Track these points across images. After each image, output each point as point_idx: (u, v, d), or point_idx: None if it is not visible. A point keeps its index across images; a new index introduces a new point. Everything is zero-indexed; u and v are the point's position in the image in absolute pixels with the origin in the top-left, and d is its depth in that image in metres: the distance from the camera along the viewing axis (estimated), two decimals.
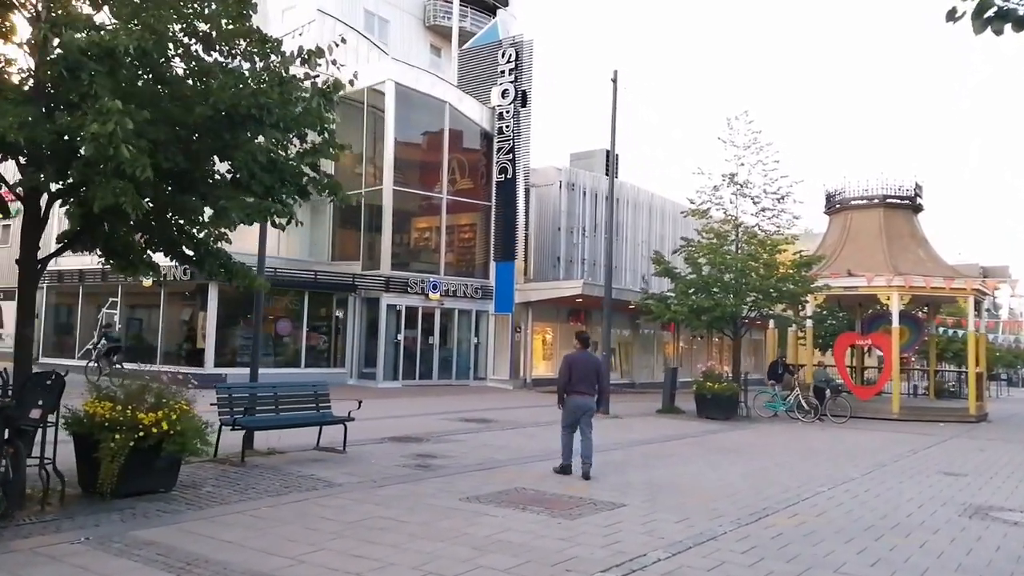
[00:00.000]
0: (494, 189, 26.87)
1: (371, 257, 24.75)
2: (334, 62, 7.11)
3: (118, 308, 24.19)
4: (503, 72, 26.93)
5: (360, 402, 11.32)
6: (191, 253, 8.17)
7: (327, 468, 9.74)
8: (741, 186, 21.32)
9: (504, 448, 12.22)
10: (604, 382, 10.19)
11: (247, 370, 22.26)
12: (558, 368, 10.38)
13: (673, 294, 21.47)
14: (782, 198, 21.06)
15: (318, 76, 7.64)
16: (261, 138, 7.60)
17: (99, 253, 8.26)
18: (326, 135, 7.76)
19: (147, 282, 23.05)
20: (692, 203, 21.84)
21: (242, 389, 10.60)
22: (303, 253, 25.48)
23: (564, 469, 9.82)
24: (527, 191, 30.81)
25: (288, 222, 8.16)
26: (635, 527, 7.25)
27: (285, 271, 23.06)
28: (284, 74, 6.99)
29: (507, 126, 26.63)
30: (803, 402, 20.56)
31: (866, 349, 26.99)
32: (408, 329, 24.63)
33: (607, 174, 37.21)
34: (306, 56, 6.84)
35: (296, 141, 7.99)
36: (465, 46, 29.81)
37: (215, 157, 7.65)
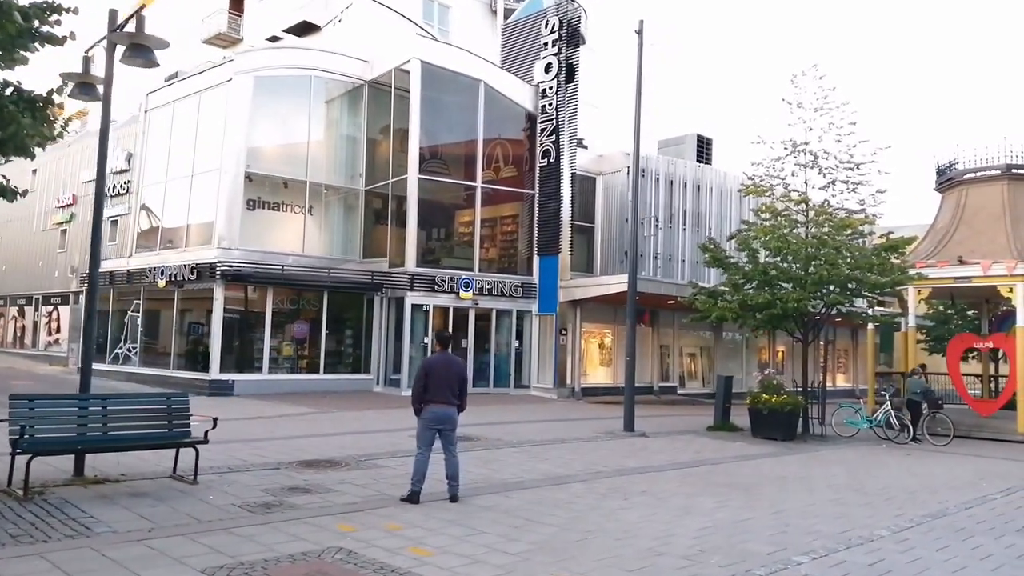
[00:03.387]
0: (537, 175, 24.03)
1: (399, 253, 22.58)
2: None
3: (140, 311, 23.30)
4: (546, 44, 24.12)
5: (215, 420, 9.00)
6: None
7: (129, 506, 7.47)
8: (815, 156, 17.40)
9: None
10: (464, 387, 8.51)
11: (258, 376, 21.11)
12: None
13: (727, 288, 17.95)
14: (857, 166, 16.96)
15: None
16: None
17: None
18: None
19: (160, 283, 22.06)
20: (749, 178, 18.15)
21: (50, 402, 8.50)
22: (335, 251, 23.72)
23: (412, 496, 8.13)
24: (594, 179, 27.93)
25: None
26: None
27: (294, 269, 21.28)
28: None
29: (550, 104, 23.77)
30: (892, 419, 16.64)
31: (989, 353, 22.09)
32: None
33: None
34: None
35: None
36: (508, 20, 27.19)
37: None
